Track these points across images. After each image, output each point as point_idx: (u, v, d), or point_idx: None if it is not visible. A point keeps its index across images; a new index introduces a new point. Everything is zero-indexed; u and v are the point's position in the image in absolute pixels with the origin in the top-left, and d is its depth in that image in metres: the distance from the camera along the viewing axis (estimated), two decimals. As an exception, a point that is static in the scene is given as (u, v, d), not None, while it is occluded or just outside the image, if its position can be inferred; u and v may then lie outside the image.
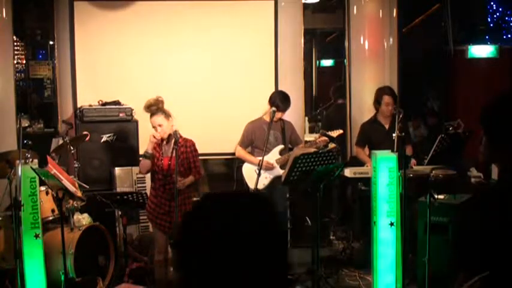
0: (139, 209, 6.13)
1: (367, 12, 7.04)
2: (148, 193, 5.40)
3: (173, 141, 4.91)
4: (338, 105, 8.15)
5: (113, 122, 6.59)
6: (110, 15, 7.06)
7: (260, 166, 5.50)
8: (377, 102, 6.17)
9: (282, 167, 5.82)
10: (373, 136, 6.13)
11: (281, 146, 5.97)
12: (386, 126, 6.09)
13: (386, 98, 6.07)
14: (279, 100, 5.88)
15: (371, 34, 7.02)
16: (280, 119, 6.01)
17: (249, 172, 5.89)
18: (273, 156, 5.91)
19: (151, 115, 5.02)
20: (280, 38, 7.22)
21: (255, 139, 5.99)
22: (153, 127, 5.02)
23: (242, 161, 6.09)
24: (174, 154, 4.85)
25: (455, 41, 8.65)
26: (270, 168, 5.84)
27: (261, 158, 5.59)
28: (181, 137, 4.94)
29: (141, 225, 6.44)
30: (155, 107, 4.96)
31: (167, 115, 4.95)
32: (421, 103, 8.89)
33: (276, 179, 5.87)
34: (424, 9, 9.17)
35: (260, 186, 5.72)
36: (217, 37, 7.16)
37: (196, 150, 5.02)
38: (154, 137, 4.99)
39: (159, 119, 4.95)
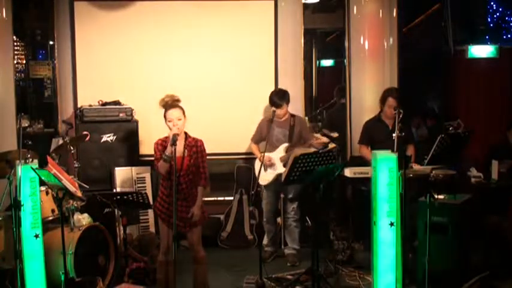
0: (139, 209, 6.14)
1: (367, 12, 7.03)
2: (148, 193, 5.37)
3: (184, 140, 4.85)
4: (341, 104, 8.14)
5: (113, 122, 6.61)
6: (110, 15, 7.07)
7: (261, 162, 5.87)
8: (382, 102, 6.17)
9: (285, 165, 5.95)
10: (376, 135, 6.12)
11: (286, 144, 6.11)
12: (390, 126, 6.07)
13: (390, 101, 6.05)
14: (276, 97, 6.10)
15: (371, 34, 7.01)
16: (291, 115, 6.18)
17: (259, 167, 6.11)
18: (278, 153, 6.11)
19: (169, 108, 4.78)
20: (280, 38, 7.23)
21: (265, 135, 6.17)
22: (169, 121, 4.77)
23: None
24: (186, 154, 4.80)
25: (455, 41, 8.65)
26: (269, 164, 6.02)
27: (266, 153, 5.89)
28: (189, 136, 4.90)
29: (141, 225, 6.45)
30: (171, 100, 4.80)
31: (183, 112, 4.82)
32: (421, 103, 8.88)
33: (280, 176, 6.05)
34: (424, 9, 9.17)
35: (264, 182, 5.98)
36: (217, 37, 7.17)
37: (205, 150, 4.93)
38: (176, 134, 4.71)
39: (178, 112, 4.78)
